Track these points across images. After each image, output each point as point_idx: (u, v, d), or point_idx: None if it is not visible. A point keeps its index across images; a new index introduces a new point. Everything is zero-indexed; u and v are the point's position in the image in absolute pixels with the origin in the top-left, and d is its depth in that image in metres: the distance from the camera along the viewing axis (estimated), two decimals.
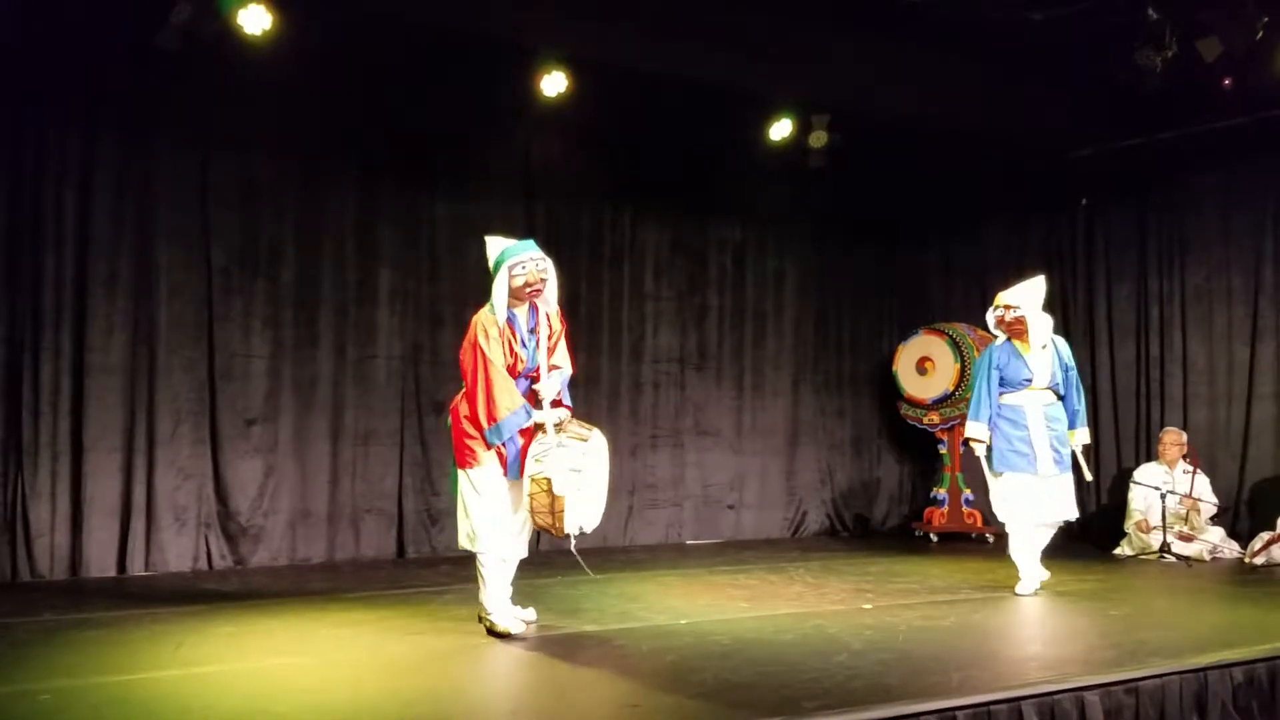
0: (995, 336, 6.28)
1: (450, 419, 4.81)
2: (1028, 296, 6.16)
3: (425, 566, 6.89)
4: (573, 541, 4.63)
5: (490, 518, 4.67)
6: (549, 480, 4.52)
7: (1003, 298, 6.21)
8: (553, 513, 4.53)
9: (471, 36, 6.71)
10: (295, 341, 7.04)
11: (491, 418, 4.58)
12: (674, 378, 8.66)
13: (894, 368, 9.26)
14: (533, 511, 4.61)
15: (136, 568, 6.46)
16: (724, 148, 8.33)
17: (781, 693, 3.75)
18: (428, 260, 7.53)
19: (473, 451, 4.65)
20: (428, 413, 7.47)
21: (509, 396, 4.62)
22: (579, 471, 4.58)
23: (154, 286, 6.61)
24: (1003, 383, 6.11)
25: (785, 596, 5.93)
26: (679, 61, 6.98)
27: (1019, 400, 6.09)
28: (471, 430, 4.64)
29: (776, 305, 9.24)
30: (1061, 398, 6.16)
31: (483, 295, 7.66)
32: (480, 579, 4.75)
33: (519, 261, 4.81)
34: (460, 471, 4.74)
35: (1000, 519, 6.31)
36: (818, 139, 8.19)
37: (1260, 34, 6.33)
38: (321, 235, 7.15)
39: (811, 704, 3.56)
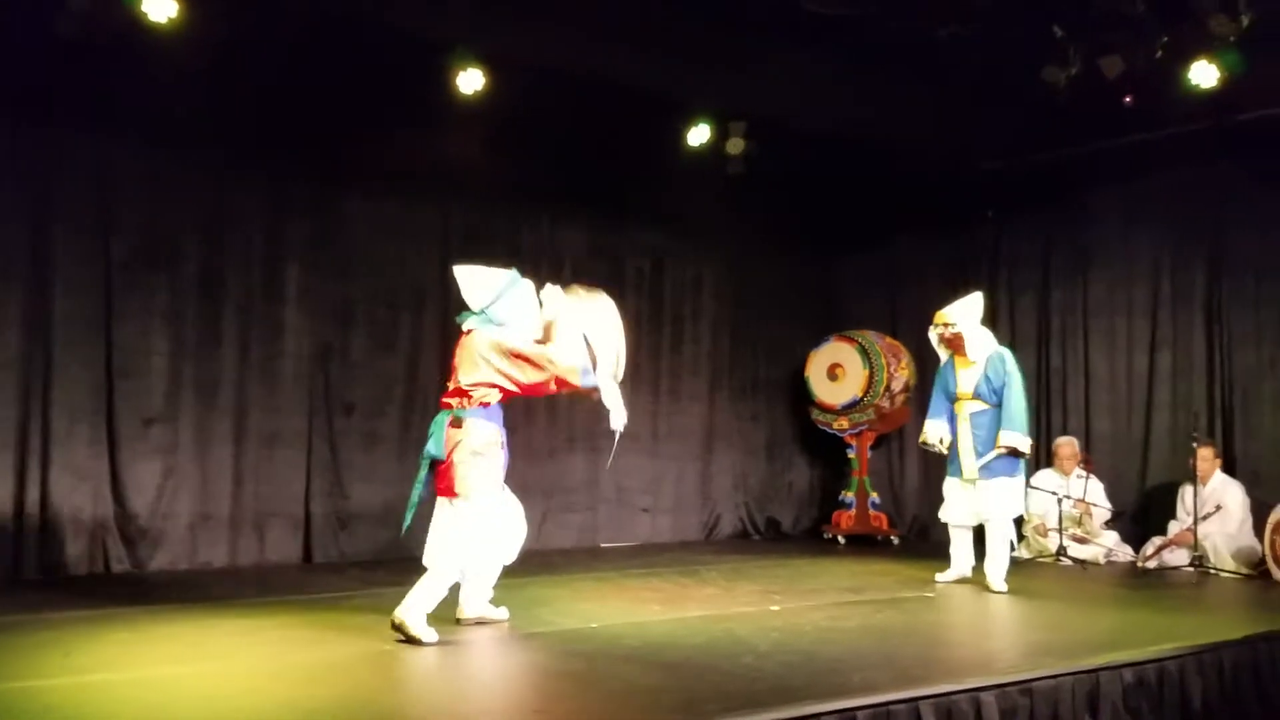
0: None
1: (444, 442, 4.74)
2: (964, 313, 6.53)
3: (332, 572, 6.76)
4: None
5: (485, 542, 4.79)
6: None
7: (941, 315, 6.59)
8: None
9: (386, 30, 6.60)
10: (197, 339, 6.85)
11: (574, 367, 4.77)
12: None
13: (806, 373, 9.38)
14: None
15: (30, 571, 6.22)
16: (643, 152, 8.34)
17: (687, 696, 3.76)
18: (339, 257, 7.40)
19: (480, 479, 4.72)
20: (337, 414, 7.34)
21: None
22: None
23: (50, 280, 6.38)
24: (945, 394, 6.60)
25: (697, 599, 5.96)
26: (599, 64, 6.97)
27: (955, 410, 6.52)
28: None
29: (694, 310, 9.30)
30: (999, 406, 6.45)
31: (395, 293, 7.63)
32: (426, 590, 4.69)
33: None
34: (460, 503, 4.73)
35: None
36: (735, 146, 8.24)
37: (1160, 53, 6.55)
38: (226, 229, 6.98)
39: (715, 706, 3.57)
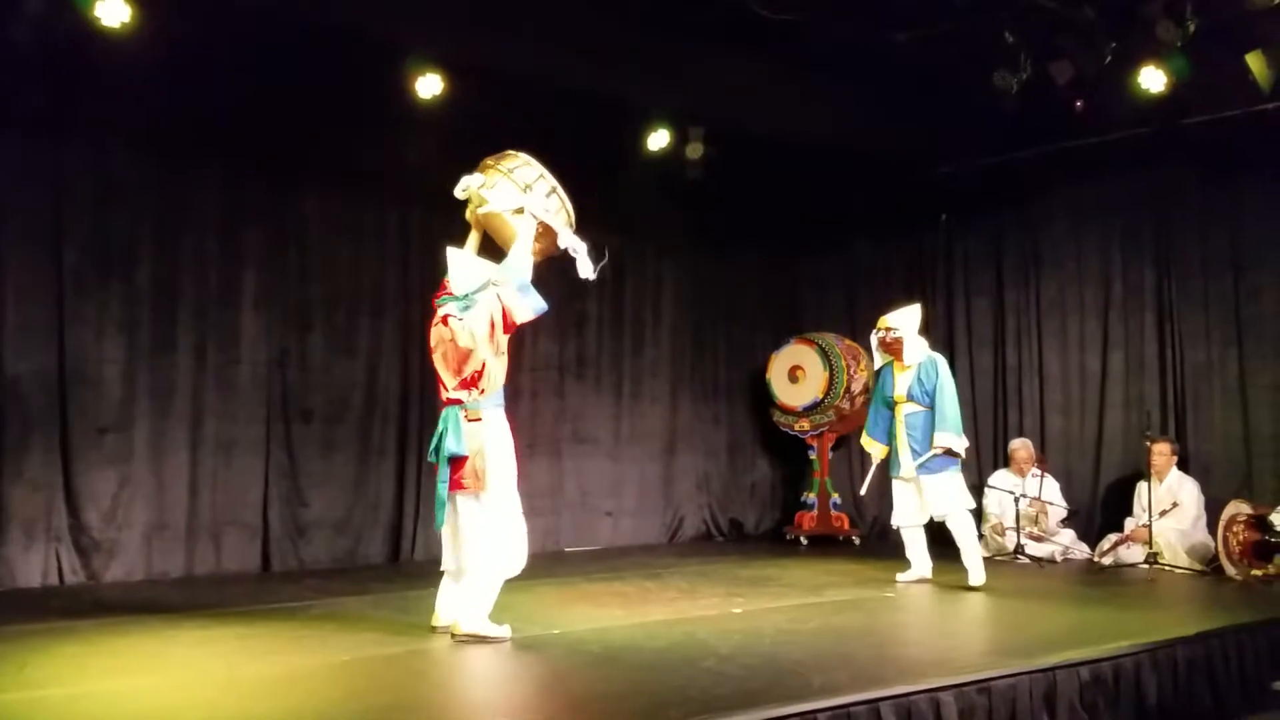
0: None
1: (464, 438, 4.71)
2: (905, 320, 6.85)
3: (291, 581, 6.69)
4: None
5: (522, 531, 4.83)
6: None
7: (884, 320, 6.90)
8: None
9: (344, 34, 6.55)
10: (152, 346, 6.76)
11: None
12: (553, 385, 8.64)
13: (767, 375, 9.43)
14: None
15: None
16: (604, 156, 8.33)
17: (649, 700, 3.77)
18: (296, 262, 7.34)
19: (506, 470, 4.77)
20: (295, 421, 7.27)
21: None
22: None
23: (0, 288, 6.26)
24: (883, 401, 6.88)
25: (659, 602, 5.97)
26: (558, 69, 6.97)
27: (894, 414, 6.77)
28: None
29: (655, 314, 9.32)
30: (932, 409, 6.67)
31: (354, 297, 7.57)
32: (478, 600, 4.73)
33: None
34: (487, 497, 4.73)
35: None
36: (694, 151, 8.29)
37: (1109, 59, 6.67)
38: (181, 234, 6.89)
39: (677, 712, 3.58)
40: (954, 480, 6.65)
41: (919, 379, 6.72)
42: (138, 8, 5.83)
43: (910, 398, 6.73)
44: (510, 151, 5.02)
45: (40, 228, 6.39)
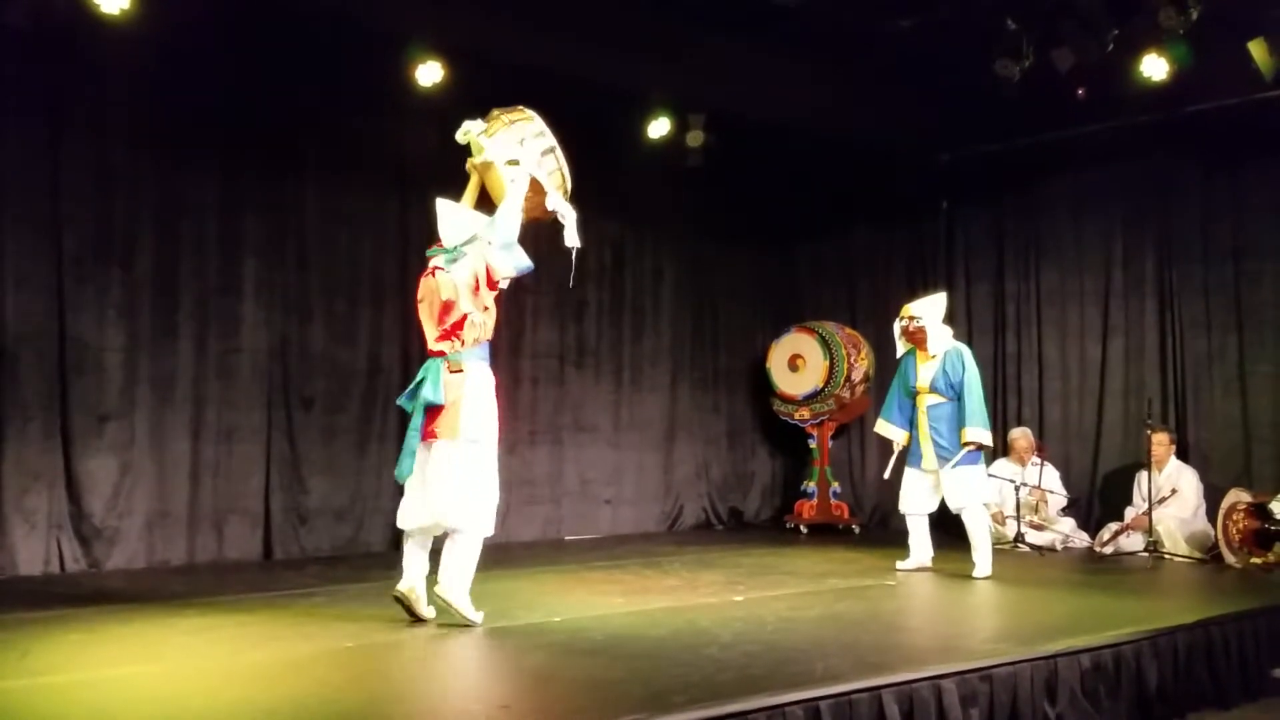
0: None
1: (442, 388, 4.67)
2: (930, 309, 6.76)
3: (292, 568, 6.70)
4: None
5: (495, 494, 4.76)
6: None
7: (908, 309, 6.81)
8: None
9: (344, 22, 6.54)
10: (153, 333, 6.74)
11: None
12: (553, 373, 8.63)
13: (767, 364, 9.43)
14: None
15: None
16: (604, 144, 8.29)
17: (651, 688, 3.77)
18: (296, 250, 7.32)
19: (488, 419, 4.71)
20: (296, 408, 7.27)
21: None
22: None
23: (1, 275, 6.24)
24: (905, 389, 6.78)
25: (660, 590, 5.97)
26: (558, 57, 6.96)
27: (916, 404, 6.69)
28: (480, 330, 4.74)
29: (654, 302, 9.31)
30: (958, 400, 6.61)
31: (354, 285, 7.55)
32: (461, 565, 4.67)
33: None
34: (468, 445, 4.67)
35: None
36: (695, 139, 8.28)
37: (1111, 47, 6.65)
38: (182, 222, 6.86)
39: (680, 699, 3.58)
40: (976, 473, 6.59)
41: (944, 370, 6.62)
42: None
43: (934, 389, 6.63)
44: (521, 107, 4.98)
45: (40, 215, 6.37)
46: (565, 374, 8.70)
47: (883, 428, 6.95)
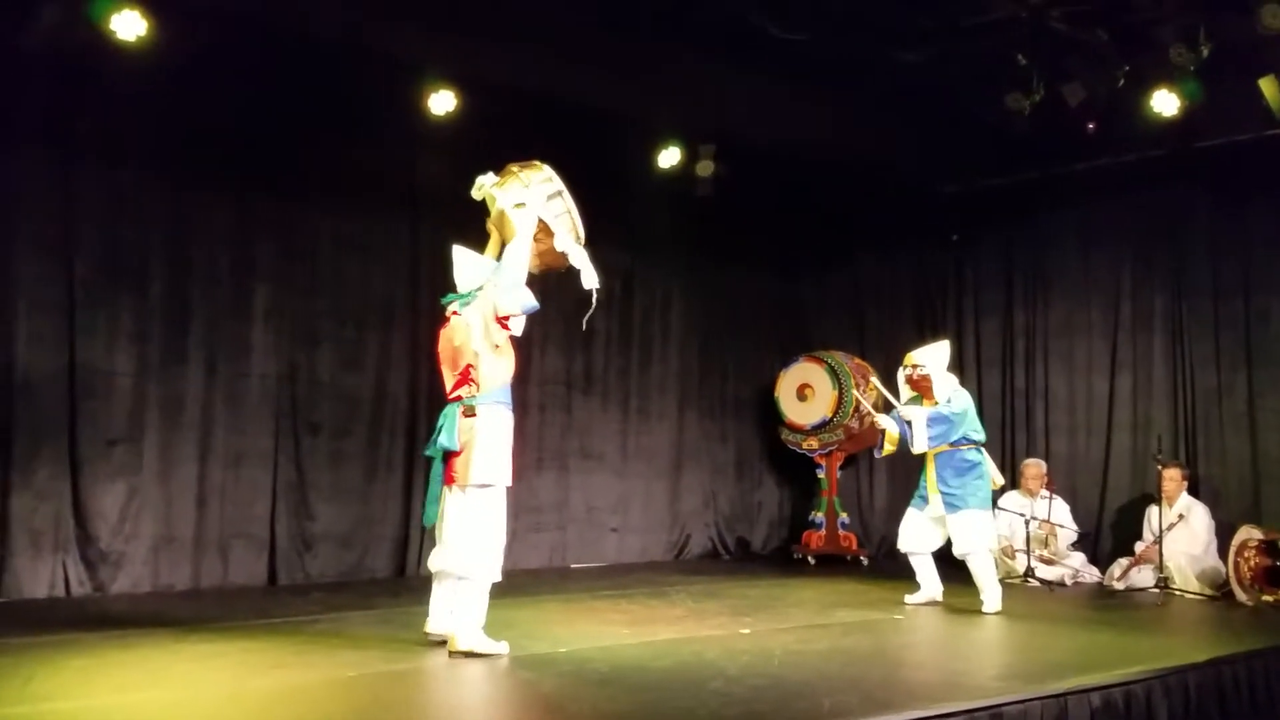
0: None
1: (456, 433, 4.71)
2: (933, 357, 6.67)
3: (297, 595, 6.67)
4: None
5: (502, 539, 4.77)
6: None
7: (911, 357, 6.72)
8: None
9: (358, 52, 6.60)
10: (162, 358, 6.75)
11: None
12: (560, 400, 8.63)
13: (775, 393, 9.41)
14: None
15: None
16: (613, 173, 8.33)
17: None
18: (306, 276, 7.34)
19: (498, 465, 4.75)
20: (304, 434, 7.27)
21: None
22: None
23: (12, 299, 6.26)
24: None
25: (666, 621, 5.94)
26: (570, 86, 7.01)
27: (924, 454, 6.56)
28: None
29: (663, 330, 9.31)
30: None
31: (363, 312, 7.58)
32: (470, 611, 4.71)
33: None
34: (475, 492, 4.72)
35: None
36: (704, 168, 8.31)
37: (1121, 82, 6.68)
38: (193, 247, 6.89)
39: None
40: (982, 518, 6.46)
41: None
42: (154, 21, 5.87)
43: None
44: (536, 162, 5.04)
45: (52, 239, 6.40)
46: (573, 401, 8.70)
47: (884, 421, 6.78)
